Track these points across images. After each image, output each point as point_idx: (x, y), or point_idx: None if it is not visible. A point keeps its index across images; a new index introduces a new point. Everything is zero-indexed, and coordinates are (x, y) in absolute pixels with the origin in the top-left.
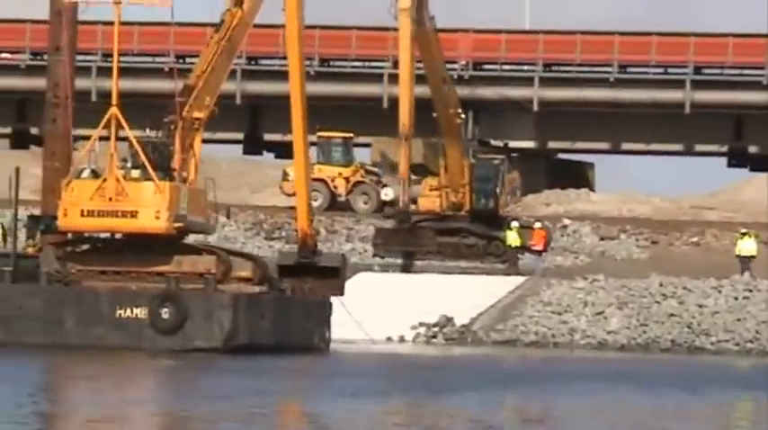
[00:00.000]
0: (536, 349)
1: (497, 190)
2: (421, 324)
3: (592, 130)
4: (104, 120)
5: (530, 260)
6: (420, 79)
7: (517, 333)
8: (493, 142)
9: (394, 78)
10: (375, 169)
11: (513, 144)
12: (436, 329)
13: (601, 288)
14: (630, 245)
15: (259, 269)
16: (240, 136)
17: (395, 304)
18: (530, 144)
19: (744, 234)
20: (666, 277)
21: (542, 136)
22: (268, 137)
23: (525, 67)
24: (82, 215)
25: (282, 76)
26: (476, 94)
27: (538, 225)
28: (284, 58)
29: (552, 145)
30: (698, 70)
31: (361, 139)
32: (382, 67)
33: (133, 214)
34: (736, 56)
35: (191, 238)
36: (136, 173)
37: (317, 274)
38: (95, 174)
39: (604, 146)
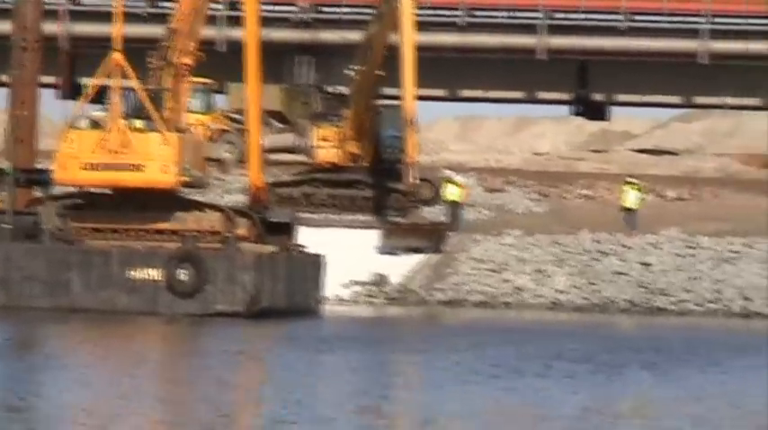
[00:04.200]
0: (486, 310)
1: (402, 140)
2: (353, 282)
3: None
4: (105, 66)
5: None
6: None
7: (461, 293)
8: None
9: (232, 21)
10: (238, 116)
11: None
12: (374, 289)
13: (533, 245)
14: (522, 198)
15: (255, 226)
16: None
17: None
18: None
19: (628, 184)
20: (598, 233)
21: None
22: None
23: None
24: (83, 168)
25: None
26: (317, 38)
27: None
28: None
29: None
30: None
31: None
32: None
33: (139, 167)
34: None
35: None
36: (139, 123)
37: (268, 231)
38: (95, 125)
39: (443, 93)
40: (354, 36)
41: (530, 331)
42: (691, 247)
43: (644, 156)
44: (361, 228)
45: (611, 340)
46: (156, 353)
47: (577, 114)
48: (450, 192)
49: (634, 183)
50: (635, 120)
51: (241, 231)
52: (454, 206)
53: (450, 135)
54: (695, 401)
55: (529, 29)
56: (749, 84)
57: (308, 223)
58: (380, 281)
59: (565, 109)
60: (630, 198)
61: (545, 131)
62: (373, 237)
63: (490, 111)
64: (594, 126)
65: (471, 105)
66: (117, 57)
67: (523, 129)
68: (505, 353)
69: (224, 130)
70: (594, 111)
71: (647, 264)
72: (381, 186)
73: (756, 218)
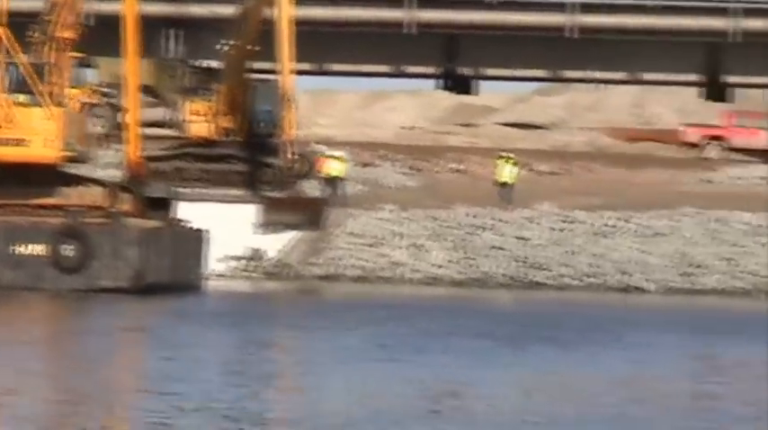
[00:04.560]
0: (364, 285)
1: (276, 115)
2: (229, 257)
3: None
4: None
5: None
6: None
7: (338, 267)
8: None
9: None
10: (107, 90)
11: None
12: (252, 263)
13: (408, 219)
14: (394, 172)
15: (137, 201)
16: None
17: None
18: None
19: (503, 158)
20: (473, 208)
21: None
22: None
23: None
24: None
25: None
26: (186, 12)
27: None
28: None
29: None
30: None
31: None
32: None
33: (23, 142)
34: None
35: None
36: (23, 98)
37: (147, 206)
38: None
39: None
40: (224, 10)
41: (413, 306)
42: (567, 222)
43: (512, 130)
44: (238, 202)
45: (501, 315)
46: (41, 329)
47: (445, 88)
48: (333, 167)
49: (509, 158)
50: (496, 95)
51: (125, 206)
52: (335, 181)
53: (303, 109)
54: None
55: (398, 2)
56: (617, 58)
57: (185, 197)
58: (257, 255)
59: (420, 82)
60: (505, 172)
61: (400, 105)
62: (251, 211)
63: (342, 84)
64: (452, 100)
65: (322, 79)
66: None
67: (377, 102)
68: (399, 330)
69: (94, 104)
70: (462, 85)
71: (524, 239)
72: (255, 161)
73: (628, 191)
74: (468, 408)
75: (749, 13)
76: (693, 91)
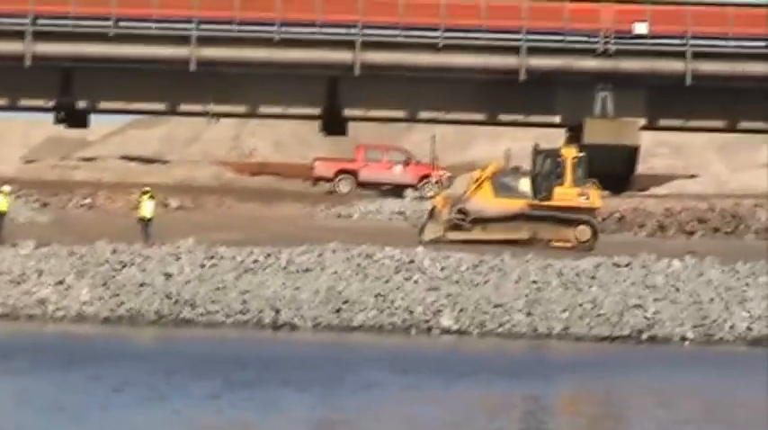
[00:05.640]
0: (8, 322)
1: None
2: None
3: None
4: None
5: None
6: None
7: None
8: None
9: None
10: None
11: None
12: None
13: (50, 255)
14: (23, 207)
15: None
16: None
17: None
18: None
19: (145, 193)
20: (115, 243)
21: None
22: None
23: None
24: None
25: None
26: None
27: None
28: None
29: None
30: None
31: None
32: None
33: None
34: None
35: None
36: None
37: None
38: None
39: None
40: None
41: (62, 346)
42: (211, 258)
43: (133, 164)
44: None
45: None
46: None
47: (59, 122)
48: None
49: (148, 192)
50: (94, 128)
51: None
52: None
53: None
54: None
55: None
56: (233, 90)
57: None
58: None
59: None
60: (147, 207)
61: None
62: None
63: None
64: (48, 131)
65: None
66: None
67: None
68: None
69: None
70: (77, 119)
71: (169, 275)
72: None
73: (268, 226)
74: None
75: (368, 45)
76: (291, 124)
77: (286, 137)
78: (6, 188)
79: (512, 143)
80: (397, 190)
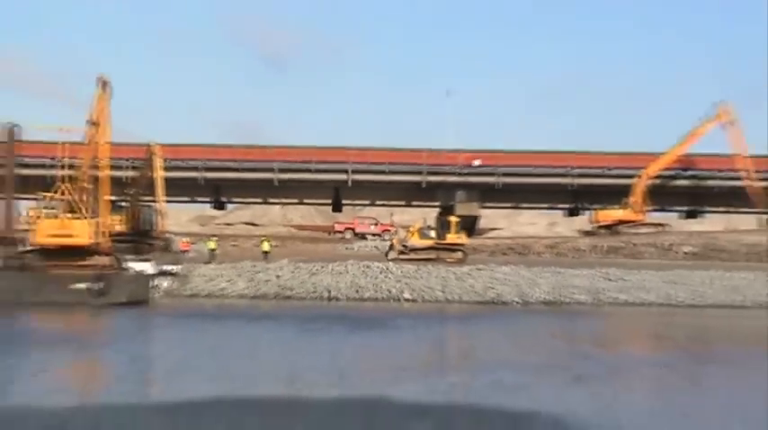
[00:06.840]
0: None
1: None
2: None
3: None
4: None
5: None
6: None
7: None
8: None
9: None
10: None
11: None
12: None
13: (225, 267)
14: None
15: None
16: None
17: None
18: None
19: (264, 239)
20: (255, 262)
21: None
22: None
23: None
24: None
25: None
26: None
27: None
28: None
29: None
30: None
31: None
32: None
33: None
34: None
35: None
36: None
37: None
38: None
39: None
40: None
41: (237, 312)
42: (296, 267)
43: (247, 226)
44: None
45: None
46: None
47: (214, 208)
48: None
49: (266, 238)
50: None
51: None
52: None
53: None
54: None
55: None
56: None
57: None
58: None
59: None
60: (266, 245)
61: None
62: None
63: None
64: (193, 212)
65: None
66: None
67: None
68: None
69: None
70: (221, 206)
71: (278, 275)
72: None
73: (316, 253)
74: None
75: (354, 172)
76: (314, 207)
77: (312, 212)
78: (214, 240)
79: (421, 213)
80: (373, 236)
